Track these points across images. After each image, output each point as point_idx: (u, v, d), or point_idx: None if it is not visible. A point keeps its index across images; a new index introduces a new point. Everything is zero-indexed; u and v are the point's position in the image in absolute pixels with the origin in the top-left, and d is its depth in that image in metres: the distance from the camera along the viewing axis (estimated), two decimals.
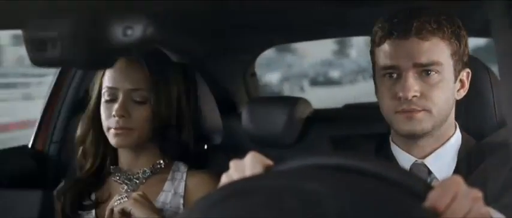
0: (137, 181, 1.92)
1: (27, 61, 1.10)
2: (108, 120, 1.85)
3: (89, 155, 1.95)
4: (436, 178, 1.61)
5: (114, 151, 1.93)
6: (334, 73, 25.44)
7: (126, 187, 1.91)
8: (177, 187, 1.90)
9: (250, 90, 3.03)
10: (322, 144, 1.87)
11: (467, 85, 1.65)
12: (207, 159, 2.08)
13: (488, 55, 1.62)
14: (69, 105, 2.51)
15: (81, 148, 1.97)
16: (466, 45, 1.62)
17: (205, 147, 2.21)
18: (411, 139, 1.62)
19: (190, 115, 1.96)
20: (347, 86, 22.99)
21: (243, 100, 2.86)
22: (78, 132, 1.99)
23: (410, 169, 1.63)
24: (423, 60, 1.54)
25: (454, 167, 1.63)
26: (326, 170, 0.85)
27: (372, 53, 1.66)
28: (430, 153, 1.63)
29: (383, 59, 1.60)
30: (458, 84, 1.63)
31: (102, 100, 1.88)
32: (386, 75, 1.60)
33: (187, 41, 2.52)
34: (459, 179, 0.87)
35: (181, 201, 1.88)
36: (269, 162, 0.99)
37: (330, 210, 0.69)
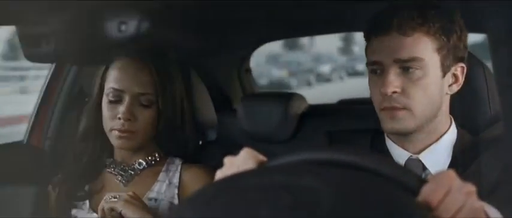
0: (132, 172, 1.92)
1: None
2: (112, 121, 1.85)
3: (88, 151, 1.95)
4: (431, 174, 1.61)
5: (111, 146, 1.93)
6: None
7: (120, 178, 1.92)
8: (171, 177, 1.91)
9: (245, 86, 3.02)
10: (317, 139, 1.88)
11: (461, 80, 1.64)
12: (202, 154, 2.08)
13: (483, 52, 1.62)
14: (63, 101, 2.50)
15: (81, 144, 1.97)
16: (459, 39, 1.60)
17: (200, 142, 2.22)
18: (400, 136, 1.63)
19: (191, 113, 1.97)
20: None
21: (238, 96, 2.85)
22: (80, 128, 1.99)
23: (405, 164, 1.63)
24: (403, 55, 1.54)
25: (448, 163, 1.63)
26: (319, 165, 0.86)
27: (365, 50, 1.67)
28: (425, 148, 1.63)
29: (369, 55, 1.62)
30: (450, 79, 1.62)
31: (105, 100, 1.87)
32: (373, 71, 1.61)
33: (182, 37, 2.52)
34: (452, 174, 0.87)
35: (176, 191, 1.89)
36: (263, 158, 0.99)
37: (323, 205, 0.69)
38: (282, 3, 2.15)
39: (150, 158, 1.94)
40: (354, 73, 26.09)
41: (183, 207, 0.82)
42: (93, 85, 1.95)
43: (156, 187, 1.90)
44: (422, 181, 0.84)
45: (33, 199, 2.07)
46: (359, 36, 1.72)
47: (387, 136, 1.70)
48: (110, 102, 1.86)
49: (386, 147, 1.69)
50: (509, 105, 0.80)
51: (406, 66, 1.55)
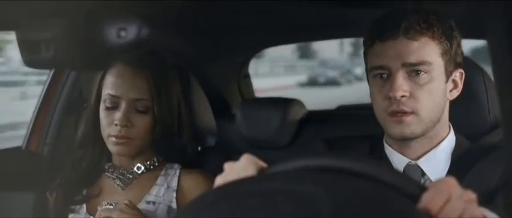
0: (130, 176, 1.92)
1: None
2: (109, 127, 1.85)
3: (86, 157, 1.95)
4: (430, 180, 1.61)
5: (109, 152, 1.92)
6: None
7: (118, 182, 1.91)
8: (170, 181, 1.91)
9: (244, 92, 3.02)
10: (316, 145, 1.87)
11: (460, 86, 1.65)
12: (201, 160, 2.08)
13: (481, 57, 1.62)
14: (62, 107, 2.50)
15: (80, 150, 1.96)
16: (458, 45, 1.62)
17: (199, 148, 2.21)
18: (403, 141, 1.63)
19: (188, 119, 1.97)
20: None
21: (237, 102, 2.85)
22: (78, 134, 1.99)
23: (404, 170, 1.64)
24: (412, 59, 1.55)
25: (447, 169, 1.63)
26: (320, 171, 0.85)
27: (365, 54, 1.66)
28: (424, 154, 1.63)
29: (374, 60, 1.61)
30: (450, 85, 1.63)
31: (103, 106, 1.87)
32: (377, 76, 1.61)
33: (181, 42, 2.52)
34: (453, 181, 0.87)
35: (174, 195, 1.89)
36: (263, 164, 0.99)
37: (323, 212, 0.69)
38: (282, 8, 2.15)
39: (148, 162, 1.94)
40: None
41: (183, 213, 0.82)
42: (91, 91, 1.95)
43: (154, 190, 1.89)
44: (423, 188, 0.84)
45: (32, 205, 2.07)
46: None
47: (386, 142, 1.70)
48: (107, 108, 1.86)
49: (384, 152, 1.70)
50: (509, 111, 0.80)
51: (414, 70, 1.56)
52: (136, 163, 1.93)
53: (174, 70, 1.96)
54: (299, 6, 2.07)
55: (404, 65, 1.55)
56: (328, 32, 2.93)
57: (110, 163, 1.95)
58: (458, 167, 1.61)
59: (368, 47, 1.64)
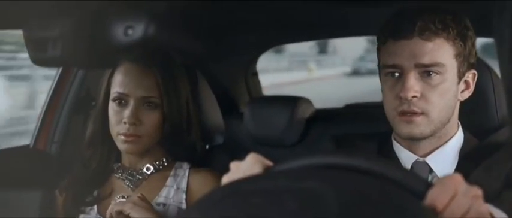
0: (140, 177, 1.92)
1: None
2: (118, 125, 1.85)
3: (95, 156, 1.95)
4: (437, 176, 1.61)
5: (118, 150, 1.93)
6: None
7: (128, 183, 1.92)
8: (179, 182, 1.91)
9: (252, 90, 3.02)
10: (324, 143, 1.87)
11: (472, 87, 1.64)
12: (209, 158, 2.08)
13: (489, 55, 1.62)
14: (70, 105, 2.50)
15: (88, 149, 1.96)
16: (473, 45, 1.60)
17: (207, 146, 2.21)
18: (410, 140, 1.63)
19: (197, 117, 1.97)
20: None
21: (245, 100, 2.85)
22: (87, 133, 1.99)
23: (411, 167, 1.63)
24: (425, 60, 1.54)
25: (455, 166, 1.63)
26: (326, 169, 0.85)
27: (378, 50, 1.66)
28: (432, 151, 1.63)
29: (386, 58, 1.60)
30: (462, 85, 1.62)
31: (111, 104, 1.87)
32: (389, 74, 1.60)
33: (189, 41, 2.52)
34: (459, 178, 0.87)
35: (184, 196, 1.89)
36: (268, 163, 0.99)
37: (330, 209, 0.69)
38: (288, 7, 2.15)
39: (158, 163, 1.94)
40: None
41: (189, 212, 0.82)
42: (99, 89, 1.95)
43: (164, 192, 1.89)
44: (429, 185, 0.84)
45: (39, 204, 2.07)
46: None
47: (394, 140, 1.70)
48: (115, 106, 1.86)
49: (393, 149, 1.69)
50: None
51: (426, 71, 1.55)
52: (146, 164, 1.93)
53: (182, 69, 1.96)
54: (306, 4, 2.07)
55: (417, 66, 1.54)
56: (336, 30, 2.92)
57: (119, 164, 1.95)
58: (466, 164, 1.61)
59: (381, 43, 1.63)
